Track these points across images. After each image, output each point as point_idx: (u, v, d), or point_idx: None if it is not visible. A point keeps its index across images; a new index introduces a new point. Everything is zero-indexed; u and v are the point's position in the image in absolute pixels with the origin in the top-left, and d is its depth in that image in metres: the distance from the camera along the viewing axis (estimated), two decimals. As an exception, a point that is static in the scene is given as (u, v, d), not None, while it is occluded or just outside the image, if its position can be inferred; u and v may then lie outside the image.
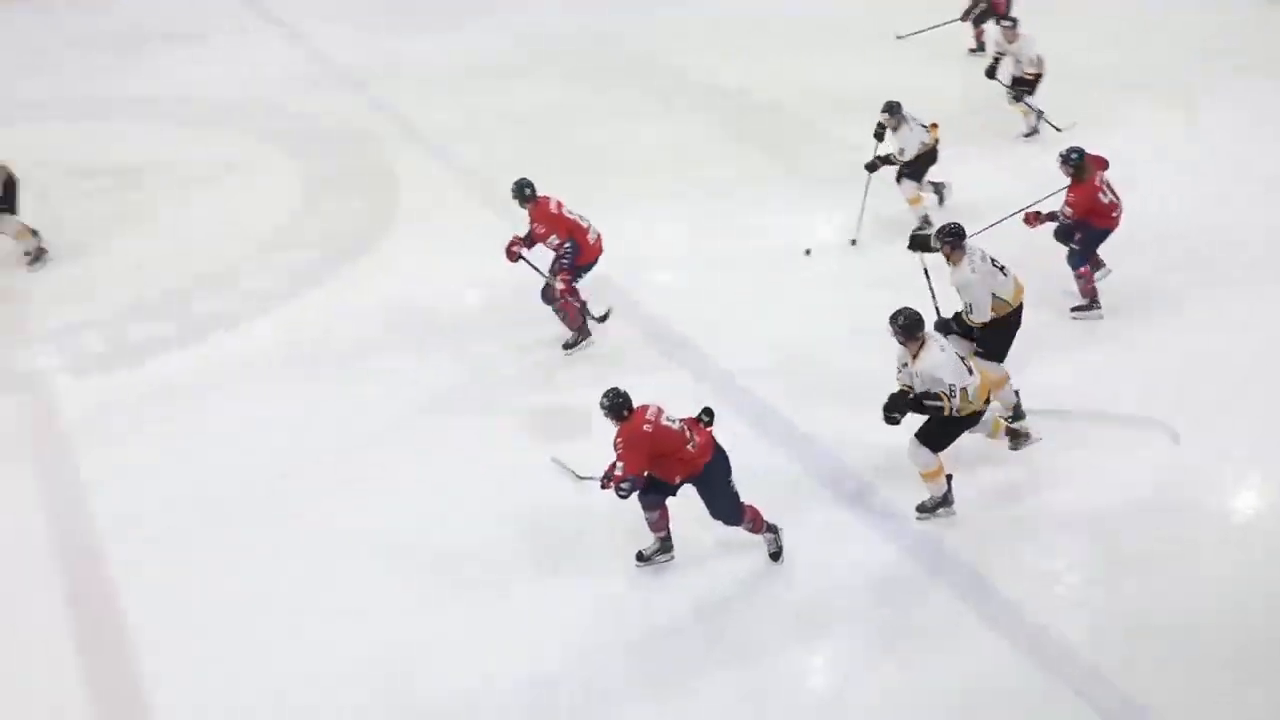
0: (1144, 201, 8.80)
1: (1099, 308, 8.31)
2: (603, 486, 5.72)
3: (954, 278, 6.88)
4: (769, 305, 8.62)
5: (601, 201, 8.87)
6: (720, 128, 12.04)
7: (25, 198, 9.57)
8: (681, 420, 5.82)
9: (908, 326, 6.01)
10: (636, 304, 8.61)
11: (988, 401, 6.36)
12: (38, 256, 9.52)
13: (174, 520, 6.56)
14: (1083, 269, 8.25)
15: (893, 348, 6.15)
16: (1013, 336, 6.97)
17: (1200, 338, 7.90)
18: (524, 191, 7.85)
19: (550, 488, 6.10)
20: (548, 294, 7.96)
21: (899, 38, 13.16)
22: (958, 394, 5.97)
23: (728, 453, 5.88)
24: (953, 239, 6.82)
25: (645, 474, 5.75)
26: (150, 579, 6.19)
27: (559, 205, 7.89)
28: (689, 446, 5.75)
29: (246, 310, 8.87)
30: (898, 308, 6.07)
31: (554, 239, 7.78)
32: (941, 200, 9.80)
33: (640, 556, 6.17)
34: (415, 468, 6.98)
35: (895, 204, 9.46)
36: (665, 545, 6.18)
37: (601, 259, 8.00)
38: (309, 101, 13.18)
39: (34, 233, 9.48)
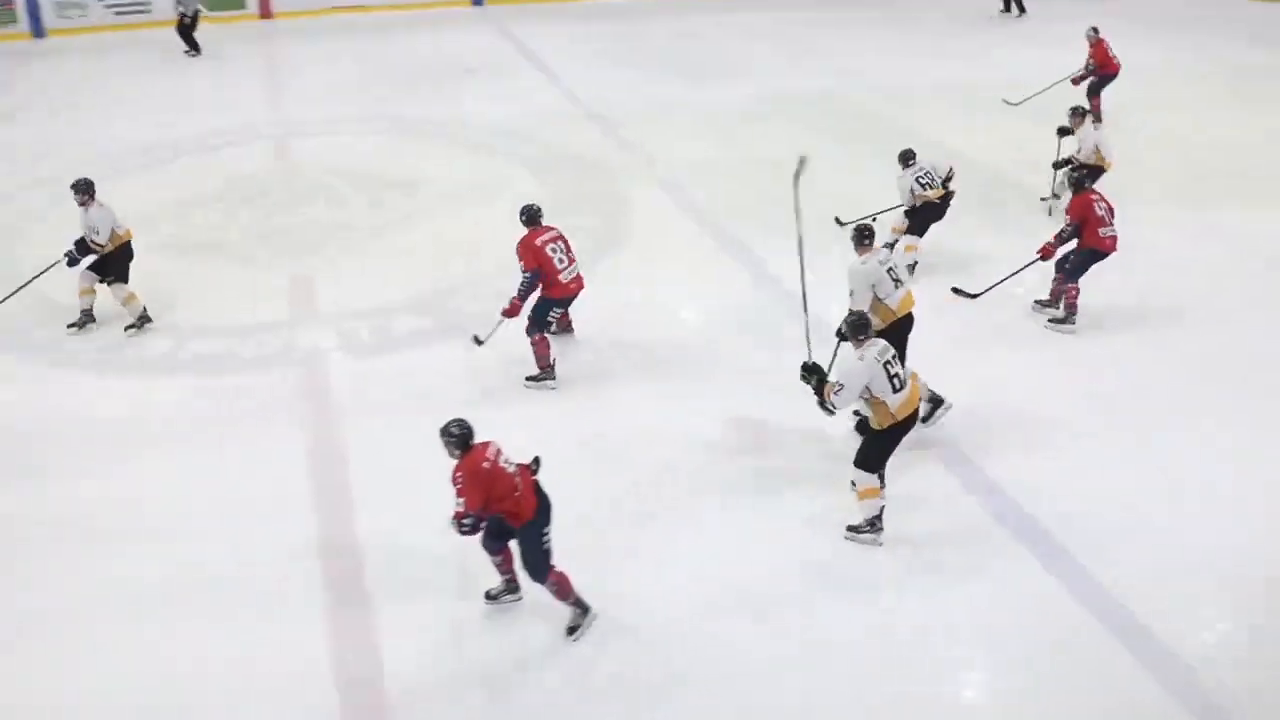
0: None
1: (1074, 323, 9.14)
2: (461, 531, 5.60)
3: (849, 266, 7.62)
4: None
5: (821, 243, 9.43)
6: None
7: (320, 202, 10.98)
8: (516, 464, 5.75)
9: (855, 325, 6.52)
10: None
11: (916, 415, 6.61)
12: (139, 325, 9.53)
13: (417, 477, 7.39)
14: (1073, 287, 9.13)
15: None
16: (900, 343, 7.38)
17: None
18: (521, 217, 8.38)
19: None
20: (527, 327, 8.40)
21: (1011, 104, 14.02)
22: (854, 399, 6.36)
23: (552, 506, 5.81)
24: (861, 236, 7.70)
25: (487, 512, 5.62)
26: (389, 528, 6.93)
27: (545, 240, 8.28)
28: (515, 493, 5.65)
29: (493, 310, 9.82)
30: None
31: (521, 266, 8.26)
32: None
33: (489, 595, 6.18)
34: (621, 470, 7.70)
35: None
36: (511, 586, 6.16)
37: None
38: (560, 133, 14.40)
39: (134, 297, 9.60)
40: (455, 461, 5.65)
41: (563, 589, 5.94)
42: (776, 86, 15.71)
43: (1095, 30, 14.04)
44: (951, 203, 10.21)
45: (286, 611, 6.28)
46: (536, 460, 5.88)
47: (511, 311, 8.29)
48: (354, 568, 6.64)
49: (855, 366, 6.38)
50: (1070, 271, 9.22)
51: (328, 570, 6.62)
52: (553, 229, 8.48)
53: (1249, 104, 15.48)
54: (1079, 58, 14.13)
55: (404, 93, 16.58)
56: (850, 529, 6.68)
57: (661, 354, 9.01)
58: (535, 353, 8.52)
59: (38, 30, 20.66)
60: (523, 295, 8.27)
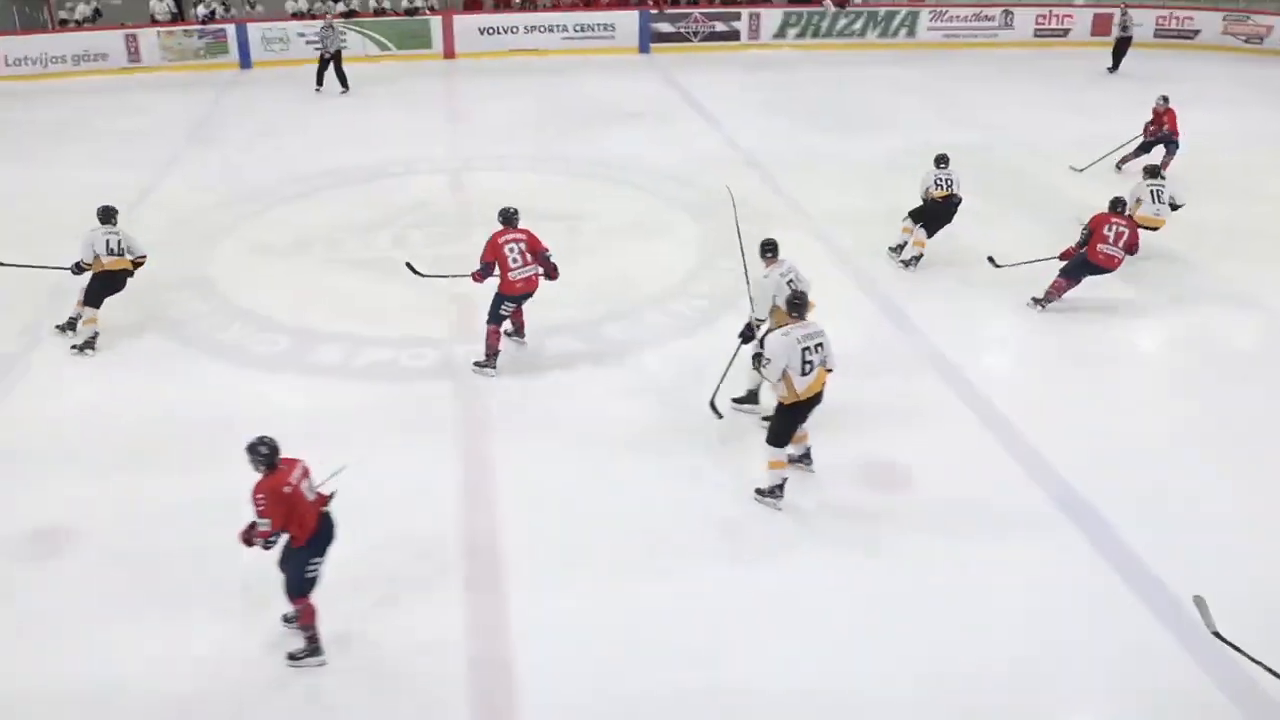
0: None
1: (1044, 307, 10.71)
2: (246, 542, 5.69)
3: (752, 277, 8.36)
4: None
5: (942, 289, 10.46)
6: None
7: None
8: (315, 493, 5.84)
9: (794, 303, 7.45)
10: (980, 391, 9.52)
11: (819, 397, 7.43)
12: (68, 329, 10.15)
13: (564, 490, 7.87)
14: (1062, 281, 10.62)
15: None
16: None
17: None
18: (499, 217, 9.29)
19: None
20: (487, 317, 9.35)
21: (1077, 170, 14.71)
22: (779, 375, 7.19)
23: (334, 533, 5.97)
24: (764, 249, 8.39)
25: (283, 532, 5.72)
26: (531, 536, 7.49)
27: (507, 239, 9.18)
28: (309, 517, 5.74)
29: (643, 340, 10.24)
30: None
31: (481, 256, 9.17)
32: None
33: (291, 656, 6.15)
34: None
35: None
36: (313, 648, 6.09)
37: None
38: (719, 178, 14.78)
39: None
40: (258, 479, 5.72)
41: (305, 618, 6.05)
42: (922, 139, 15.84)
43: (1165, 99, 14.83)
44: (959, 208, 11.73)
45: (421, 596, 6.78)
46: (331, 495, 6.02)
47: (474, 277, 9.33)
48: (490, 561, 7.11)
49: (781, 342, 7.24)
50: (1065, 270, 10.64)
51: (460, 564, 7.12)
52: (522, 232, 9.31)
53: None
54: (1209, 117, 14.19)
55: (574, 133, 17.31)
56: (757, 491, 7.67)
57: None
58: (486, 340, 9.42)
59: (245, 61, 22.18)
60: (479, 276, 9.22)
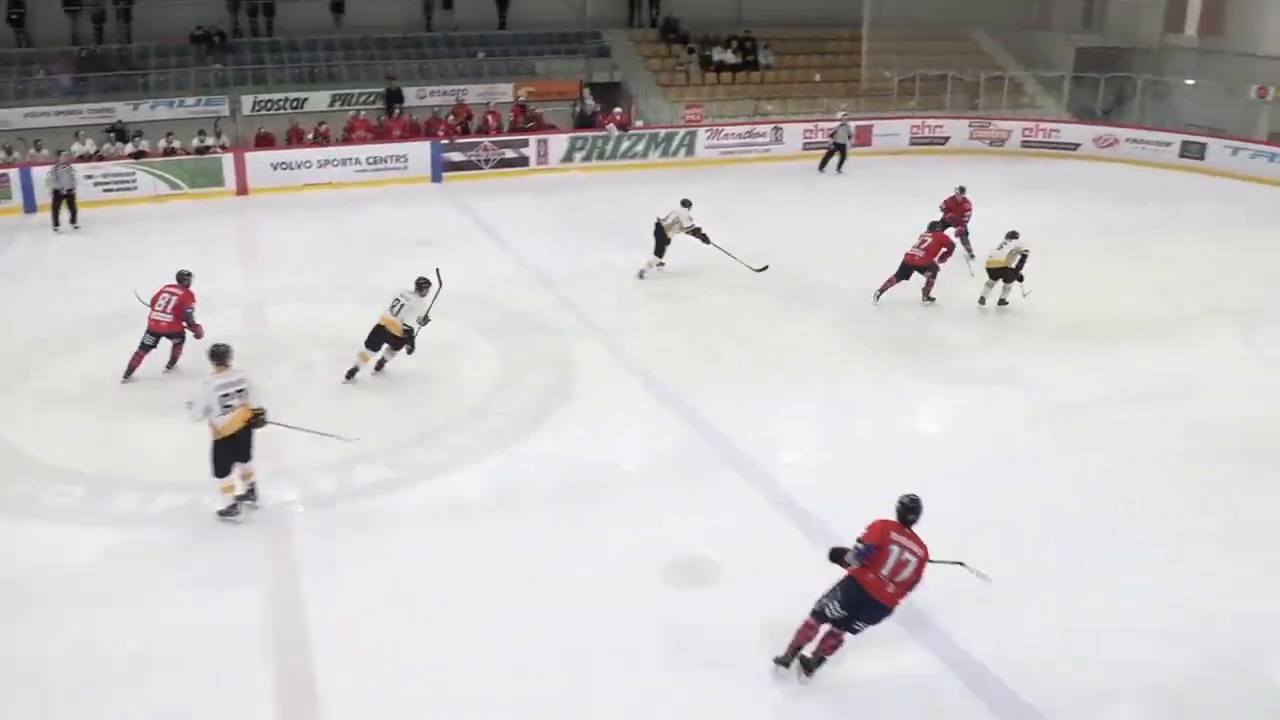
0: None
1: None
2: None
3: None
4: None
5: (717, 381, 10.82)
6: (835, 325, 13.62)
7: (285, 368, 11.63)
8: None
9: (212, 354, 8.79)
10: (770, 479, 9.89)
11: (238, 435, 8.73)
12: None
13: (374, 622, 7.81)
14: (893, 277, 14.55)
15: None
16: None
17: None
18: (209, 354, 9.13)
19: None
20: None
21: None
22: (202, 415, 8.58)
23: None
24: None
25: None
26: (344, 674, 7.42)
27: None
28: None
29: (451, 462, 10.31)
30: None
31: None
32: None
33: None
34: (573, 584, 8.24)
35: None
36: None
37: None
38: (513, 297, 15.15)
39: None
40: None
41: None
42: (699, 247, 16.58)
43: (963, 189, 17.31)
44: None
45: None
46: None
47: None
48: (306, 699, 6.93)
49: (202, 389, 8.63)
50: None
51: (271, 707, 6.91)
52: (170, 286, 12.12)
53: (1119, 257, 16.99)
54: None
55: (370, 262, 17.25)
56: (219, 511, 9.02)
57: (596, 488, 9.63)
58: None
59: (30, 205, 21.26)
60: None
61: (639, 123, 26.08)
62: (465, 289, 15.41)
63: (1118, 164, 25.99)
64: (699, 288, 15.62)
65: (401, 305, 11.73)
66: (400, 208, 21.52)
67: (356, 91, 26.04)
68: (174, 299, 12.00)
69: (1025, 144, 27.52)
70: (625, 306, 14.89)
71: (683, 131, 25.89)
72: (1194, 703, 7.08)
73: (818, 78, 29.17)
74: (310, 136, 23.94)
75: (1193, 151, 26.22)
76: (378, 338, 11.86)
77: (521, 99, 26.30)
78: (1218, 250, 18.21)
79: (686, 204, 16.15)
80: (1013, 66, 31.16)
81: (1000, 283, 14.57)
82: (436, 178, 24.15)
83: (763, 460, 10.26)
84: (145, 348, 12.11)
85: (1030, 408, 11.65)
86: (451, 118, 24.90)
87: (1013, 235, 14.65)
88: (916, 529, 6.84)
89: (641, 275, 15.94)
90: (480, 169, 24.38)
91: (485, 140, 24.61)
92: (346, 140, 24.18)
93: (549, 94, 27.00)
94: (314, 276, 16.58)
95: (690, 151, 25.84)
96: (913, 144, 27.49)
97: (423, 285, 11.91)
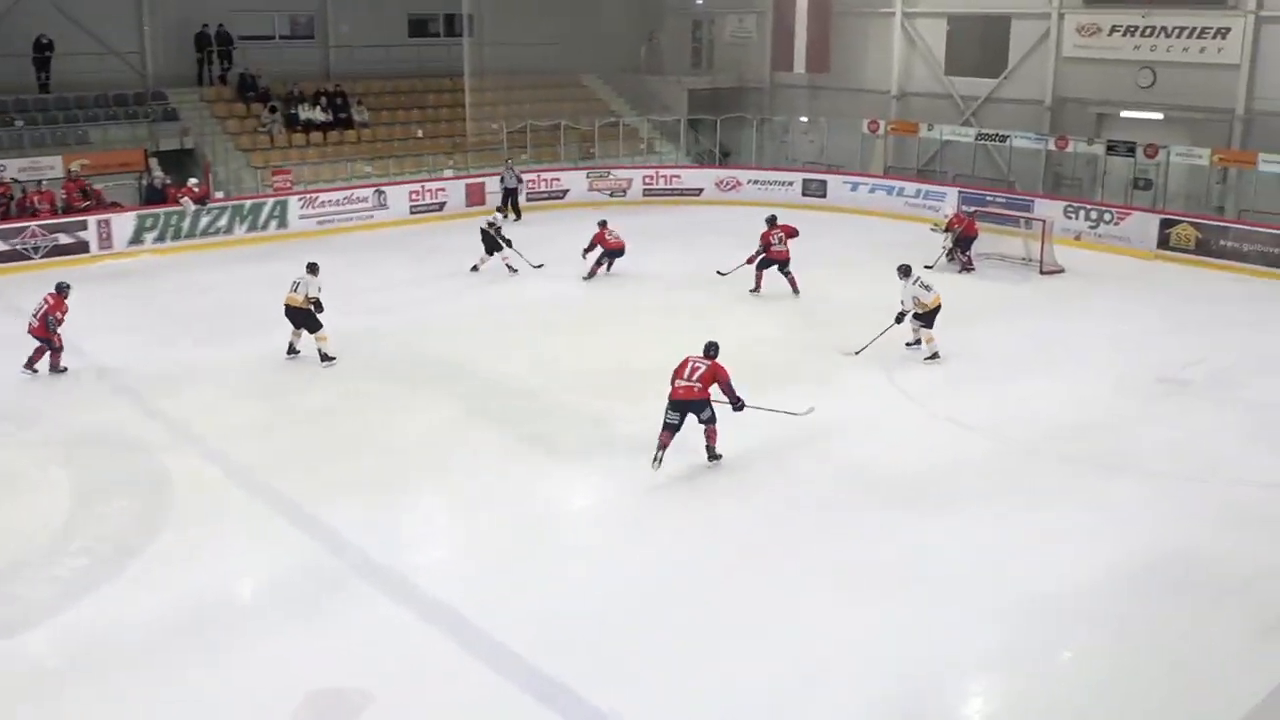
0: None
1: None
2: None
3: None
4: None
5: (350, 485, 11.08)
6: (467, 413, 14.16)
7: None
8: None
9: None
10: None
11: None
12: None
13: None
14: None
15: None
16: None
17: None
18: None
19: None
20: None
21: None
22: None
23: None
24: None
25: None
26: None
27: None
28: None
29: (21, 619, 9.65)
30: None
31: None
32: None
33: None
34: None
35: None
36: None
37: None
38: (83, 412, 14.43)
39: None
40: None
41: None
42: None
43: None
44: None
45: None
46: None
47: None
48: None
49: None
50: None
51: None
52: None
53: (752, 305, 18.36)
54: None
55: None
56: None
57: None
58: None
59: None
60: None
61: (219, 194, 25.46)
62: (22, 406, 14.55)
63: (741, 206, 28.08)
64: (305, 380, 15.51)
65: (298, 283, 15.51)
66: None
67: None
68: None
69: (647, 192, 29.26)
70: (221, 409, 14.55)
71: (272, 201, 25.52)
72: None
73: (419, 133, 29.70)
74: None
75: (814, 189, 28.96)
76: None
77: (74, 172, 24.93)
78: (849, 286, 20.25)
79: (313, 269, 16.36)
80: (627, 112, 33.09)
81: None
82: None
83: (397, 566, 10.38)
84: None
85: (678, 470, 12.43)
86: (-14, 199, 23.33)
87: None
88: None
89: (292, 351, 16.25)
90: (30, 258, 22.93)
91: (33, 224, 23.20)
92: None
93: (108, 166, 25.75)
94: None
95: (283, 224, 25.50)
96: (530, 199, 28.43)
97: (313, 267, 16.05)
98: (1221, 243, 23.15)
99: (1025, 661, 9.20)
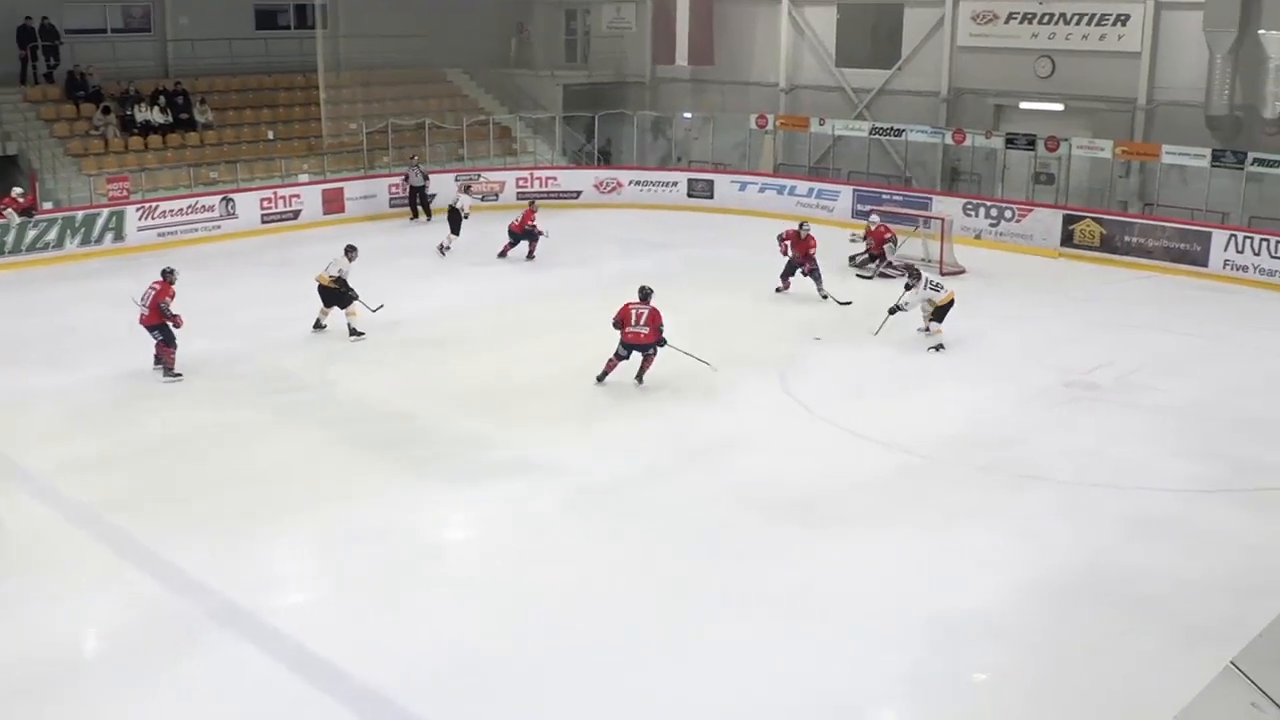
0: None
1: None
2: None
3: None
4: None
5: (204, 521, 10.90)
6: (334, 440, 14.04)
7: None
8: None
9: None
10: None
11: None
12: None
13: None
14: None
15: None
16: None
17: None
18: None
19: None
20: None
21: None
22: None
23: None
24: None
25: None
26: None
27: None
28: None
29: None
30: None
31: None
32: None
33: None
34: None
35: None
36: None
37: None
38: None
39: None
40: None
41: None
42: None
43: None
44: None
45: None
46: None
47: None
48: None
49: None
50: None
51: None
52: None
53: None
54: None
55: None
56: None
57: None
58: None
59: None
60: None
61: (46, 205, 24.80)
62: None
63: (624, 209, 28.20)
64: (151, 408, 15.15)
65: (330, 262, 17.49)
66: None
67: None
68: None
69: (521, 196, 29.11)
70: (56, 438, 14.17)
71: (107, 212, 24.89)
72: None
73: (270, 135, 29.31)
74: None
75: (700, 190, 29.18)
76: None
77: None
78: (739, 296, 20.46)
79: (350, 252, 18.22)
80: (497, 110, 33.02)
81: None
82: None
83: (259, 609, 10.16)
84: None
85: (561, 494, 12.46)
86: None
87: None
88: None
89: None
90: None
91: None
92: None
93: (-84, 176, 25.06)
94: None
95: (120, 236, 24.89)
96: (393, 205, 28.17)
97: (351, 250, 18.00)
98: (1126, 239, 23.92)
99: (935, 687, 9.31)
